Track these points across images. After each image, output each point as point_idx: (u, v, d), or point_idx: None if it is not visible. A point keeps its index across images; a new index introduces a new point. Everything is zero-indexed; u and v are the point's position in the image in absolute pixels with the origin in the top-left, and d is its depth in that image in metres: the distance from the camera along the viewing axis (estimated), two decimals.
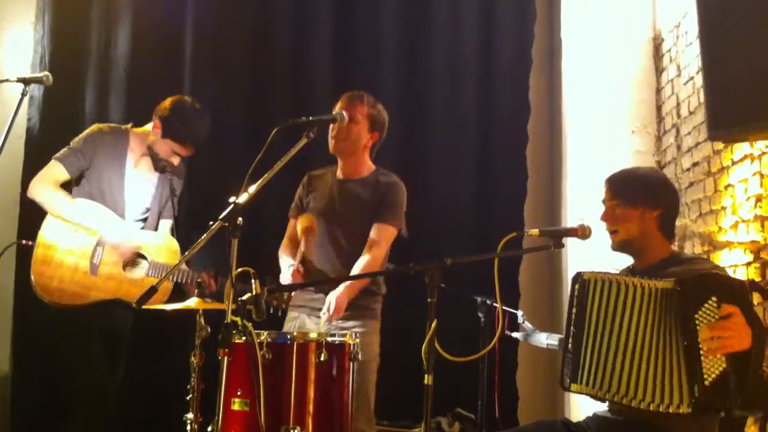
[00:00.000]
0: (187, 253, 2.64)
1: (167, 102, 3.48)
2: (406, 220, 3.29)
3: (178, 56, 4.44)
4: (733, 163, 3.20)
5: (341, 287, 3.06)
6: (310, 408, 2.60)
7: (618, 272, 2.61)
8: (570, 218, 4.18)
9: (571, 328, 2.51)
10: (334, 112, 3.12)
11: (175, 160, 3.52)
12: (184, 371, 2.76)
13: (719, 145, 3.30)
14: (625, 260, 2.63)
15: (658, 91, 4.20)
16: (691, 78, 3.68)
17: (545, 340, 2.91)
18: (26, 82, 3.03)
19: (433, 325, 2.29)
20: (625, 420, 2.46)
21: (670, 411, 2.20)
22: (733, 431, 2.40)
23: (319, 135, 3.73)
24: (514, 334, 3.08)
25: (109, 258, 3.39)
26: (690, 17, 3.59)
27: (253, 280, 2.42)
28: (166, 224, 3.63)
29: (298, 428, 2.54)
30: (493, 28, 4.64)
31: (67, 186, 3.44)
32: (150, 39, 4.43)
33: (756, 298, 2.68)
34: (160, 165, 3.52)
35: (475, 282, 3.41)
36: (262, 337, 2.56)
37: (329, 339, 2.66)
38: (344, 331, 2.93)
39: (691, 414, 2.16)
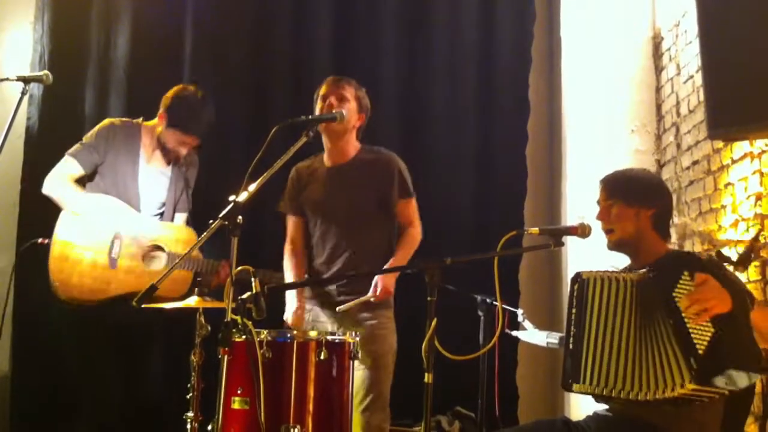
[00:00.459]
0: (188, 251, 2.64)
1: (171, 92, 3.52)
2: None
3: (178, 55, 4.44)
4: (733, 161, 3.20)
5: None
6: (310, 407, 2.60)
7: (618, 271, 2.62)
8: (570, 217, 4.18)
9: (572, 328, 2.54)
10: (319, 95, 3.19)
11: (183, 151, 3.53)
12: (184, 370, 2.76)
13: (719, 144, 3.29)
14: (625, 259, 2.64)
15: (658, 90, 4.20)
16: (691, 77, 3.68)
17: (545, 338, 2.92)
18: (26, 81, 3.03)
19: (433, 323, 2.29)
20: (626, 419, 2.47)
21: (676, 394, 2.21)
22: (732, 431, 2.41)
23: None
24: (514, 333, 3.08)
25: (127, 251, 3.39)
26: (689, 16, 3.59)
27: (253, 279, 2.42)
28: (181, 217, 3.65)
29: (298, 427, 2.54)
30: (492, 28, 4.64)
31: (80, 182, 3.46)
32: (149, 38, 4.43)
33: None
34: (170, 156, 3.53)
35: (475, 281, 3.41)
36: (262, 336, 2.56)
37: (329, 337, 2.67)
38: (359, 325, 2.95)
39: (696, 383, 2.17)
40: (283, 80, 4.54)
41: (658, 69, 4.19)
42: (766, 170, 2.91)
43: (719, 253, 2.55)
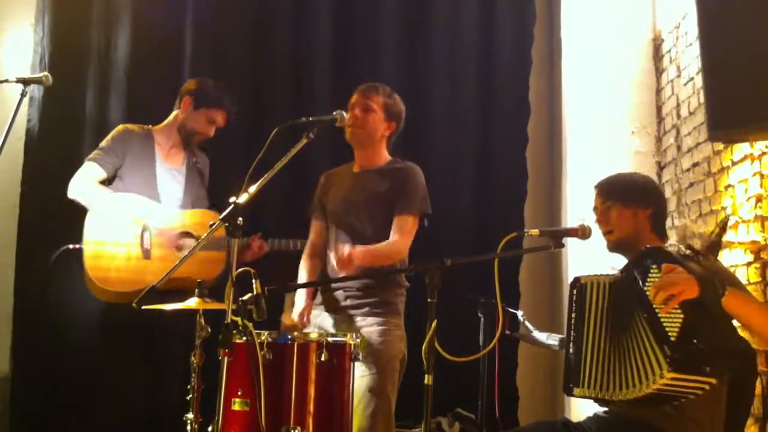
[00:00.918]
0: (188, 253, 2.64)
1: (191, 81, 3.66)
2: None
3: (178, 57, 4.43)
4: (733, 163, 3.20)
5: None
6: (311, 408, 2.60)
7: (617, 272, 2.63)
8: (570, 218, 4.18)
9: (572, 332, 2.56)
10: (349, 104, 3.19)
11: (211, 131, 3.61)
12: (184, 371, 2.76)
13: (719, 146, 3.30)
14: (625, 260, 2.65)
15: (658, 91, 4.20)
16: (691, 79, 3.68)
17: (545, 340, 2.93)
18: (26, 82, 3.05)
19: (433, 325, 2.30)
20: (625, 420, 2.47)
21: (659, 384, 2.21)
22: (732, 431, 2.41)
23: (328, 138, 3.77)
24: (515, 334, 3.08)
25: (158, 241, 3.46)
26: (690, 18, 3.59)
27: (253, 280, 2.42)
28: None
29: (299, 428, 2.54)
30: (493, 29, 4.63)
31: (102, 185, 3.52)
32: (149, 39, 4.42)
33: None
34: (194, 139, 3.63)
35: (475, 282, 3.41)
36: (263, 337, 2.56)
37: (330, 339, 2.67)
38: (364, 329, 2.95)
39: (674, 371, 2.17)
40: (283, 80, 4.53)
41: (659, 71, 4.20)
42: (766, 172, 2.91)
43: (689, 246, 2.57)
